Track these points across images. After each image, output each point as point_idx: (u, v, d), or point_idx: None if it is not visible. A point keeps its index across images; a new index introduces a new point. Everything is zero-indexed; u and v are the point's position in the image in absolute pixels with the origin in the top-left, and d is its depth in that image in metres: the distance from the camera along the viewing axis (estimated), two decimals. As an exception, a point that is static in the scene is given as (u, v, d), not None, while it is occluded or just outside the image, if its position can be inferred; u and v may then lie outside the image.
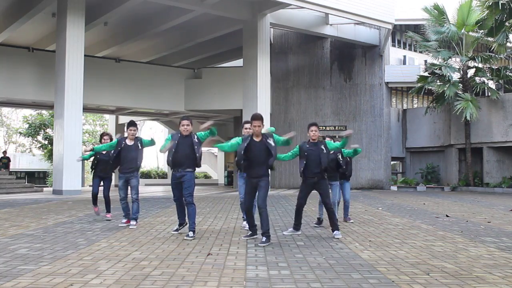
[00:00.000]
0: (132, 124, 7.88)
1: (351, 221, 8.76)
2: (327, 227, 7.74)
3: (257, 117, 6.45)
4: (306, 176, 6.94)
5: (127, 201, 7.99)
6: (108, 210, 8.89)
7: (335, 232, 6.87)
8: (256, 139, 6.43)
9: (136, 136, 7.92)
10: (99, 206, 9.13)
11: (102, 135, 9.06)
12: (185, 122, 6.94)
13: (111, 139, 8.69)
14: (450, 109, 21.75)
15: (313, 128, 7.10)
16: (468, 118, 20.42)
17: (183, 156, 6.83)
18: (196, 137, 6.92)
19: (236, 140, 6.75)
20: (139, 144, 7.85)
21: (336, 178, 8.17)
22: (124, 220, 8.06)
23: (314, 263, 5.06)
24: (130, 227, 7.69)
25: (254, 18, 20.14)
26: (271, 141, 6.42)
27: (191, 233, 6.69)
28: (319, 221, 8.19)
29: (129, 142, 7.82)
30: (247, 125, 7.26)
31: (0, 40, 21.69)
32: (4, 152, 25.99)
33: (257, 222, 6.98)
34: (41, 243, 6.19)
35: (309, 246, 6.16)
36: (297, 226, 7.17)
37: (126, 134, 7.99)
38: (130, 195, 7.89)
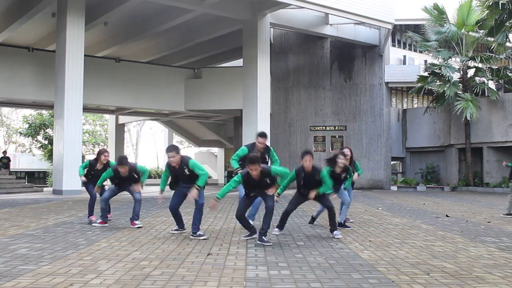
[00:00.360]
0: (120, 163, 7.60)
1: (351, 221, 8.72)
2: (326, 227, 7.73)
3: (254, 161, 6.15)
4: (302, 193, 6.80)
5: (109, 203, 8.01)
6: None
7: (334, 232, 6.87)
8: (256, 178, 6.28)
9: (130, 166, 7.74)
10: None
11: (100, 153, 8.67)
12: (169, 154, 6.73)
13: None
14: (450, 109, 21.76)
15: (307, 157, 6.54)
16: (468, 118, 20.43)
17: (185, 182, 6.81)
18: (187, 169, 6.71)
19: (235, 180, 6.42)
20: (134, 174, 7.79)
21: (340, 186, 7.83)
22: (99, 221, 7.92)
23: (314, 263, 5.06)
24: (137, 226, 7.68)
25: (254, 18, 20.13)
26: (268, 179, 6.29)
27: (201, 233, 6.71)
28: (312, 219, 8.32)
29: (123, 174, 7.66)
30: (261, 140, 7.47)
31: (0, 40, 21.69)
32: (4, 152, 26.01)
33: (254, 223, 6.98)
34: (41, 243, 6.19)
35: (309, 246, 6.16)
36: (281, 226, 7.02)
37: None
38: (133, 196, 7.86)
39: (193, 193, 6.54)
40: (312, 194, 6.63)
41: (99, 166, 8.49)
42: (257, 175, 6.24)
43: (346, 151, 8.17)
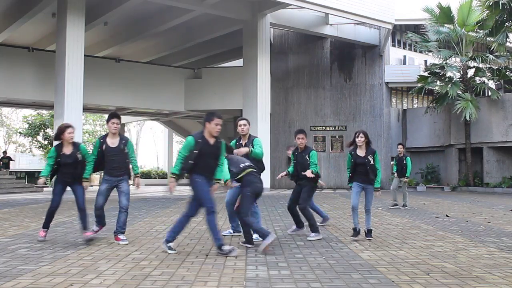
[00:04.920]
0: (114, 115, 6.45)
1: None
2: (326, 228, 7.71)
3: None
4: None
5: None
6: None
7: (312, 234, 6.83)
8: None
9: (120, 134, 6.56)
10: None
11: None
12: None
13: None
14: (450, 109, 21.76)
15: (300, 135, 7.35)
16: (467, 118, 20.42)
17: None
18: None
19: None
20: (123, 145, 6.42)
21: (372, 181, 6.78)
22: (97, 228, 6.61)
23: (314, 263, 5.06)
24: (121, 242, 6.23)
25: (254, 18, 20.13)
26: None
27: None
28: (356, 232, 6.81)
29: (110, 141, 6.38)
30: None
31: (0, 40, 21.69)
32: (4, 152, 26.05)
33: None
34: (41, 243, 6.19)
35: (309, 246, 6.16)
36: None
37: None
38: (120, 203, 6.37)
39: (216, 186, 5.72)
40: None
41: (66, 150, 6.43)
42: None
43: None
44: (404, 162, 11.83)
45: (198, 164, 5.45)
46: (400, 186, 12.09)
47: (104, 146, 6.33)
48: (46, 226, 6.50)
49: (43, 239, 6.36)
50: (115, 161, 6.32)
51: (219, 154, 5.68)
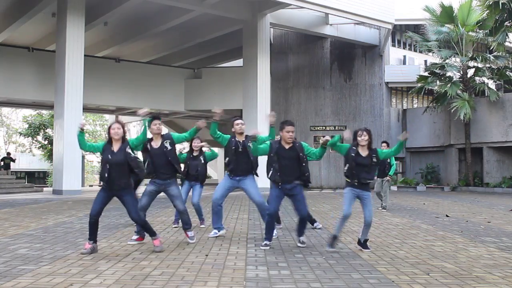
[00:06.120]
0: (156, 117, 6.47)
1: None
2: (327, 228, 7.70)
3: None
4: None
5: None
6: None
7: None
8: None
9: (162, 134, 6.47)
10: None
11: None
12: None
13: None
14: (450, 109, 21.76)
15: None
16: (461, 117, 20.40)
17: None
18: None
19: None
20: (169, 145, 6.39)
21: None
22: (135, 237, 6.27)
23: (314, 263, 5.06)
24: (190, 240, 6.26)
25: (254, 18, 20.14)
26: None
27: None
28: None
29: (154, 144, 6.43)
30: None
31: (0, 40, 21.69)
32: (8, 153, 26.08)
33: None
34: (41, 243, 6.19)
35: (309, 246, 6.16)
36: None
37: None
38: (176, 206, 6.49)
39: None
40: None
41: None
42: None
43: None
44: (388, 161, 11.15)
45: (275, 168, 5.90)
46: (383, 193, 11.22)
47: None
48: (154, 234, 5.82)
49: (161, 249, 5.64)
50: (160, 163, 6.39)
51: (297, 156, 5.91)
